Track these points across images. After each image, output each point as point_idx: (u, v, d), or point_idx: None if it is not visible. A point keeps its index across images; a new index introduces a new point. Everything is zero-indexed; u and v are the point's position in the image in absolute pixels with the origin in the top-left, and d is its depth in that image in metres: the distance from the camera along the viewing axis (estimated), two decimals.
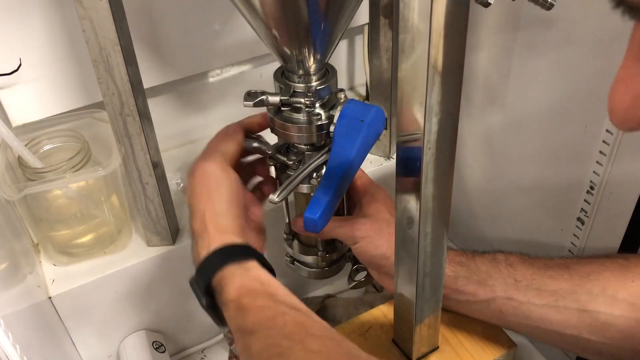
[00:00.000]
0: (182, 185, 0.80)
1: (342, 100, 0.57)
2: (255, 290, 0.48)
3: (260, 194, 0.63)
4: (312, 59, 0.54)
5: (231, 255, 0.50)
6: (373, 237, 0.58)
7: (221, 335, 0.83)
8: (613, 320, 0.51)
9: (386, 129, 0.66)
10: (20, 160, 0.64)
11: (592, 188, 0.61)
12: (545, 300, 0.54)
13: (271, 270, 0.52)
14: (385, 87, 0.77)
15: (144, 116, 0.62)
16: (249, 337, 0.45)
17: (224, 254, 0.51)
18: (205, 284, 0.50)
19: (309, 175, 0.58)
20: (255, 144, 0.60)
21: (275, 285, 0.49)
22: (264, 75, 0.85)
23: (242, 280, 0.49)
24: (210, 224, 0.52)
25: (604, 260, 0.54)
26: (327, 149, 0.58)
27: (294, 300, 0.48)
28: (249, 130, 0.61)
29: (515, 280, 0.55)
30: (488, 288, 0.56)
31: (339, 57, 0.92)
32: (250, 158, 0.62)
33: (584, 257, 0.56)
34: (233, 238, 0.52)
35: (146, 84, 0.65)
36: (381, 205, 0.60)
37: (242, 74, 0.84)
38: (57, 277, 0.69)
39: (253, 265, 0.50)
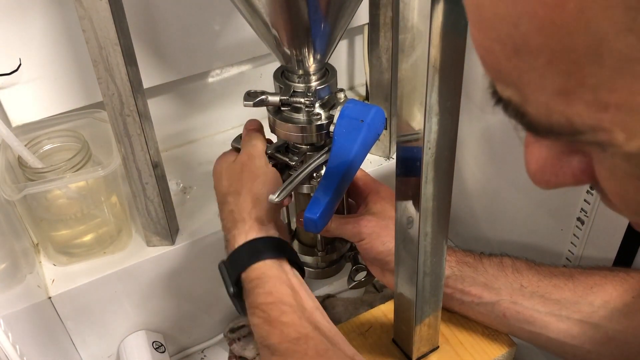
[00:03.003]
0: (181, 185, 0.80)
1: (342, 100, 0.57)
2: (284, 300, 0.48)
3: None
4: (312, 59, 0.54)
5: (267, 249, 0.51)
6: (379, 233, 0.58)
7: (221, 335, 0.83)
8: (613, 334, 0.52)
9: (386, 129, 0.66)
10: (20, 160, 0.64)
11: (592, 188, 0.61)
12: (549, 309, 0.54)
13: (301, 270, 0.54)
14: (385, 87, 0.77)
15: (144, 116, 0.62)
16: (271, 356, 0.47)
17: (261, 246, 0.51)
18: (237, 274, 0.50)
19: (309, 175, 0.58)
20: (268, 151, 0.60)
21: (304, 295, 0.50)
22: (264, 75, 0.85)
23: (274, 283, 0.49)
24: (253, 211, 0.53)
25: (607, 273, 0.54)
26: (327, 149, 0.58)
27: (319, 316, 0.49)
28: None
29: (522, 285, 0.55)
30: (494, 291, 0.56)
31: (339, 57, 0.92)
32: None
33: (587, 268, 0.56)
34: (270, 230, 0.53)
35: (146, 84, 0.65)
36: (387, 203, 0.60)
37: (242, 74, 0.84)
38: (57, 277, 0.69)
39: (286, 266, 0.51)
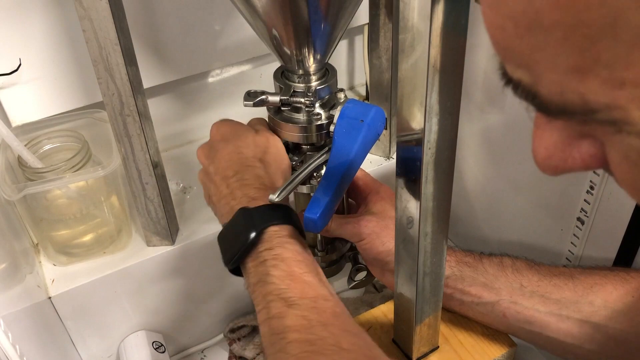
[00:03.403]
0: (181, 185, 0.80)
1: (342, 100, 0.57)
2: (307, 262, 0.49)
3: None
4: (312, 59, 0.54)
5: (295, 218, 0.51)
6: (379, 233, 0.58)
7: (221, 335, 0.83)
8: (613, 333, 0.52)
9: (386, 129, 0.66)
10: (20, 160, 0.64)
11: (592, 188, 0.61)
12: (549, 308, 0.54)
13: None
14: (385, 87, 0.77)
15: (144, 116, 0.62)
16: (287, 308, 0.45)
17: (290, 213, 0.51)
18: (267, 224, 0.49)
19: (309, 175, 0.58)
20: None
21: (318, 265, 0.51)
22: (264, 75, 0.85)
23: (301, 246, 0.50)
24: (280, 181, 0.54)
25: (607, 273, 0.54)
26: (327, 149, 0.58)
27: (332, 288, 0.49)
28: None
29: (522, 285, 0.55)
30: (494, 291, 0.56)
31: (339, 57, 0.92)
32: None
33: (587, 268, 0.56)
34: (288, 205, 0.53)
35: (146, 84, 0.65)
36: (387, 203, 0.60)
37: (242, 74, 0.84)
38: (56, 277, 0.69)
39: (303, 240, 0.52)
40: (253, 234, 0.49)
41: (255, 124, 0.60)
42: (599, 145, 0.23)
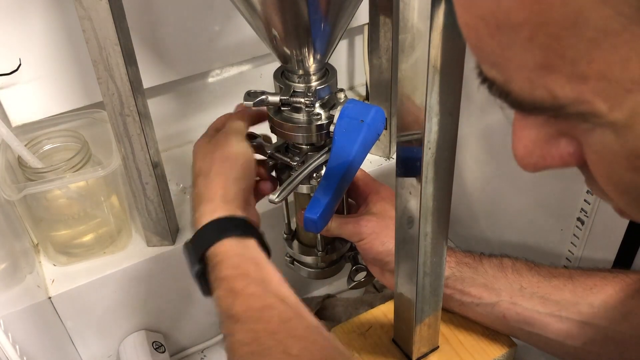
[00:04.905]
0: (181, 185, 0.80)
1: (342, 100, 0.57)
2: (248, 273, 0.48)
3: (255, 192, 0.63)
4: (312, 58, 0.54)
5: (233, 228, 0.51)
6: (379, 233, 0.58)
7: (221, 336, 0.82)
8: (612, 335, 0.52)
9: (386, 129, 0.66)
10: (20, 160, 0.64)
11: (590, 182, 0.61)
12: (549, 310, 0.54)
13: (268, 251, 0.52)
14: (385, 87, 0.77)
15: (144, 116, 0.62)
16: (234, 325, 0.46)
17: (226, 225, 0.51)
18: (202, 251, 0.50)
19: (309, 175, 0.58)
20: (255, 143, 0.60)
21: (270, 271, 0.49)
22: (264, 75, 0.85)
23: (238, 259, 0.49)
24: (220, 191, 0.53)
25: (607, 274, 0.54)
26: (327, 149, 0.58)
27: (285, 290, 0.48)
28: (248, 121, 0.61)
29: (521, 286, 0.55)
30: (494, 292, 0.56)
31: (339, 57, 0.92)
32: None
33: (586, 269, 0.56)
34: (237, 211, 0.52)
35: (146, 84, 0.65)
36: (387, 203, 0.60)
37: (242, 74, 0.84)
38: (56, 277, 0.69)
39: (252, 244, 0.51)
40: (196, 267, 0.50)
41: (226, 123, 0.59)
42: (577, 143, 0.24)
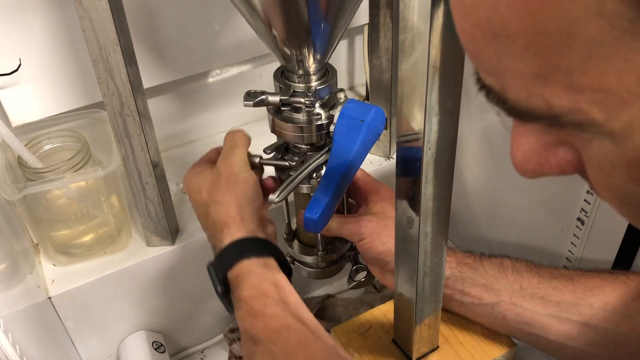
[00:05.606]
0: (181, 185, 0.80)
1: (342, 100, 0.57)
2: (267, 294, 0.49)
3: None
4: (312, 58, 0.54)
5: (252, 248, 0.52)
6: (379, 233, 0.58)
7: (221, 336, 0.83)
8: (612, 336, 0.52)
9: (386, 129, 0.66)
10: (20, 160, 0.64)
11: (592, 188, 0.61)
12: (549, 310, 0.54)
13: (288, 269, 0.54)
14: (385, 87, 0.77)
15: (144, 116, 0.62)
16: (254, 346, 0.48)
17: (246, 246, 0.52)
18: (224, 273, 0.52)
19: (309, 175, 0.58)
20: (257, 160, 0.60)
21: (289, 291, 0.51)
22: (264, 75, 0.85)
23: (257, 279, 0.50)
24: (237, 215, 0.54)
25: (607, 275, 0.54)
26: (327, 149, 0.58)
27: (304, 311, 0.49)
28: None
29: (522, 287, 0.55)
30: (494, 292, 0.56)
31: (339, 57, 0.92)
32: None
33: (586, 270, 0.56)
34: (256, 231, 0.54)
35: (146, 84, 0.65)
36: (387, 203, 0.60)
37: (242, 74, 0.84)
38: (56, 277, 0.69)
39: (272, 264, 0.52)
40: (219, 289, 0.52)
41: (223, 152, 0.59)
42: (575, 152, 0.24)
